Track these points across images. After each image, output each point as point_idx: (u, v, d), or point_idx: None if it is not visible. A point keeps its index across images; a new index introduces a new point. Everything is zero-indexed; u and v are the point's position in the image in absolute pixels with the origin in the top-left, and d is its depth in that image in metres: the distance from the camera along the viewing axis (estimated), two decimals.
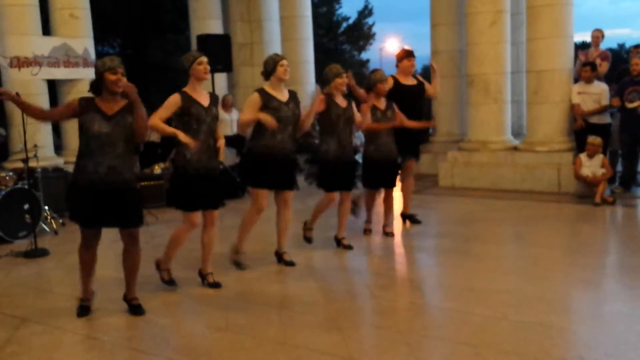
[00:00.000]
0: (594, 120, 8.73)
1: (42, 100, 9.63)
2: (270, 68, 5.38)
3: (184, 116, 4.83)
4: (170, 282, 5.14)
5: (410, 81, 6.99)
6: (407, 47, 7.39)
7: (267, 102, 5.31)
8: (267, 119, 5.19)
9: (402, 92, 6.76)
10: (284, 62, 5.40)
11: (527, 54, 9.24)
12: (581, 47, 10.22)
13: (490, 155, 9.47)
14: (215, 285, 5.15)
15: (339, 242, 6.28)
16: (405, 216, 7.44)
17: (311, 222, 6.23)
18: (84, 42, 10.05)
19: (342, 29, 31.89)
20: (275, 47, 13.25)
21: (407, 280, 5.47)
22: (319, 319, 4.44)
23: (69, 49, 9.75)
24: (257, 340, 4.06)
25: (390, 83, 6.65)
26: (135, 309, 4.61)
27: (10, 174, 7.49)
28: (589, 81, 8.74)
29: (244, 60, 13.29)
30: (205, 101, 4.90)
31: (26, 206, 7.08)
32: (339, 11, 31.78)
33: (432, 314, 4.53)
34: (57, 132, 10.81)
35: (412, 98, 6.88)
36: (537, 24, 8.85)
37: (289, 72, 5.43)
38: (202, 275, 5.23)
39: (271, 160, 5.34)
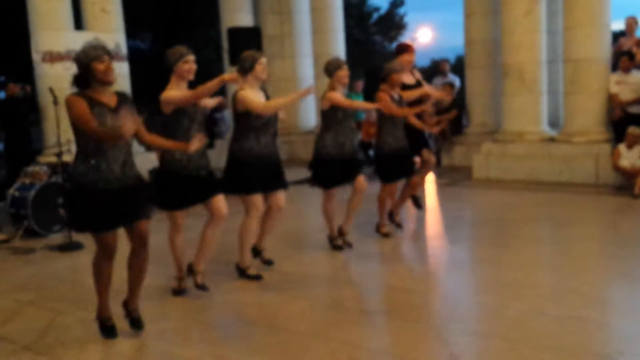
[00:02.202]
0: (633, 110, 8.53)
1: None
2: (247, 65, 4.96)
3: (176, 114, 4.52)
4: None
5: (409, 79, 6.59)
6: (406, 41, 7.21)
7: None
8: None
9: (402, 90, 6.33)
10: (264, 60, 5.00)
11: (563, 43, 9.07)
12: (620, 35, 9.98)
13: (526, 146, 9.31)
14: (202, 287, 4.86)
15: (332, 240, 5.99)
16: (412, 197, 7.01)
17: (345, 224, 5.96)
18: (115, 36, 10.15)
19: (373, 19, 31.76)
20: (305, 38, 13.26)
21: (441, 273, 5.43)
22: (351, 312, 4.43)
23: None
24: (290, 333, 4.06)
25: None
26: (136, 322, 4.21)
27: (45, 168, 7.63)
28: (627, 70, 8.55)
29: (275, 53, 13.29)
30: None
31: (60, 200, 7.19)
32: (370, 1, 31.65)
33: (466, 308, 4.48)
34: None
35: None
36: (573, 12, 8.67)
37: (267, 71, 5.06)
38: (191, 271, 4.92)
39: (258, 163, 5.00)
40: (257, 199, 5.03)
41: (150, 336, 4.15)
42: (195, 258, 4.88)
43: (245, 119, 4.95)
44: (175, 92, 4.50)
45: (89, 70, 3.76)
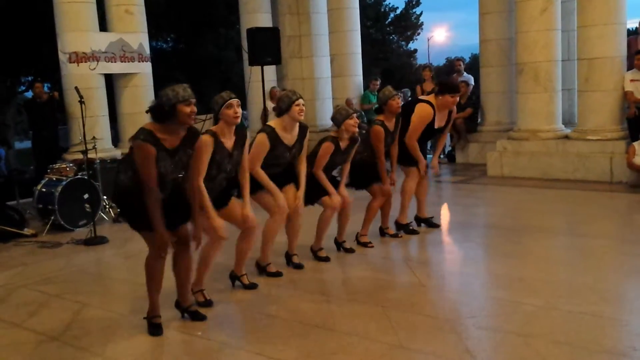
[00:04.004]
0: None
1: (100, 94, 9.96)
2: (284, 107, 4.96)
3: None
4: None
5: (442, 120, 6.24)
6: (455, 79, 6.69)
7: (273, 147, 4.95)
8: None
9: (428, 131, 6.22)
10: (300, 101, 4.95)
11: (578, 41, 9.08)
12: (634, 33, 9.96)
13: (541, 144, 9.34)
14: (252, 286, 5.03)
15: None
16: (420, 220, 6.75)
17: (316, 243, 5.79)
18: (138, 37, 10.32)
19: (389, 19, 31.75)
20: (323, 39, 13.34)
21: (456, 269, 5.48)
22: (367, 307, 4.49)
23: (124, 44, 10.05)
24: (306, 327, 4.15)
25: (429, 113, 6.12)
26: (196, 315, 4.39)
27: (71, 165, 7.83)
28: None
29: (293, 53, 13.42)
30: (230, 143, 4.50)
31: (86, 196, 7.37)
32: (387, 1, 31.67)
33: (481, 303, 4.52)
34: (113, 125, 11.16)
35: (431, 136, 6.53)
36: (589, 10, 8.68)
37: (304, 111, 4.98)
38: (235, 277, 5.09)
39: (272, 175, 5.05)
40: (281, 200, 5.10)
41: (170, 328, 4.24)
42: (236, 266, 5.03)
43: None
44: (204, 155, 4.33)
45: (173, 109, 3.80)
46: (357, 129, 5.48)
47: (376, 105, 6.24)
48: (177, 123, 3.86)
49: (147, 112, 3.92)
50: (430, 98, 6.24)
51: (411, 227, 6.52)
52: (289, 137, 5.04)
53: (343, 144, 5.50)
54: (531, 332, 3.84)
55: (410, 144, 6.17)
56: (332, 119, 5.55)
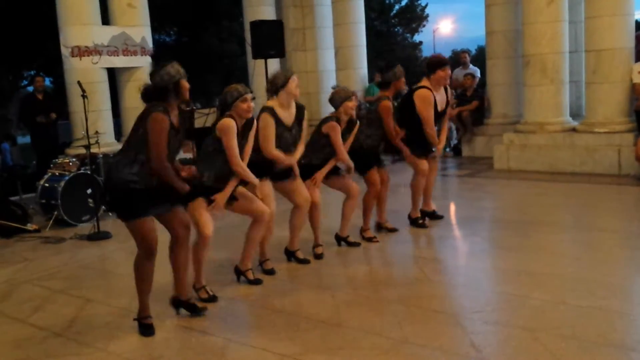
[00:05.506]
0: None
1: (102, 88, 9.94)
2: (280, 82, 4.93)
3: (222, 146, 4.48)
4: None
5: (442, 103, 6.21)
6: (441, 55, 6.64)
7: (275, 126, 4.94)
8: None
9: (435, 115, 6.16)
10: (295, 77, 4.99)
11: (585, 32, 8.99)
12: None
13: (548, 137, 9.27)
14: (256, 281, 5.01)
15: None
16: (425, 213, 6.62)
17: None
18: (141, 30, 10.28)
19: (394, 11, 31.66)
20: (327, 31, 13.28)
21: (462, 264, 5.45)
22: (372, 302, 4.48)
23: (127, 37, 10.01)
24: (312, 322, 4.12)
25: (428, 95, 6.09)
26: (194, 309, 4.38)
27: (74, 159, 7.80)
28: None
29: (297, 46, 13.36)
30: (239, 131, 4.57)
31: (89, 191, 7.35)
32: None
33: (488, 298, 4.50)
34: (116, 119, 11.14)
35: (437, 120, 6.34)
36: (597, 1, 8.59)
37: (299, 88, 5.04)
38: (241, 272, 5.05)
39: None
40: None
41: (175, 325, 4.22)
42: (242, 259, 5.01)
43: None
44: (233, 138, 4.43)
45: (177, 85, 3.93)
46: (354, 112, 5.44)
47: (379, 80, 6.17)
48: (178, 98, 3.99)
49: (143, 94, 3.97)
50: (423, 82, 6.19)
51: (420, 222, 6.46)
52: (287, 116, 5.02)
53: (341, 126, 5.44)
54: (538, 327, 3.81)
55: (429, 132, 6.11)
56: (330, 100, 5.46)
